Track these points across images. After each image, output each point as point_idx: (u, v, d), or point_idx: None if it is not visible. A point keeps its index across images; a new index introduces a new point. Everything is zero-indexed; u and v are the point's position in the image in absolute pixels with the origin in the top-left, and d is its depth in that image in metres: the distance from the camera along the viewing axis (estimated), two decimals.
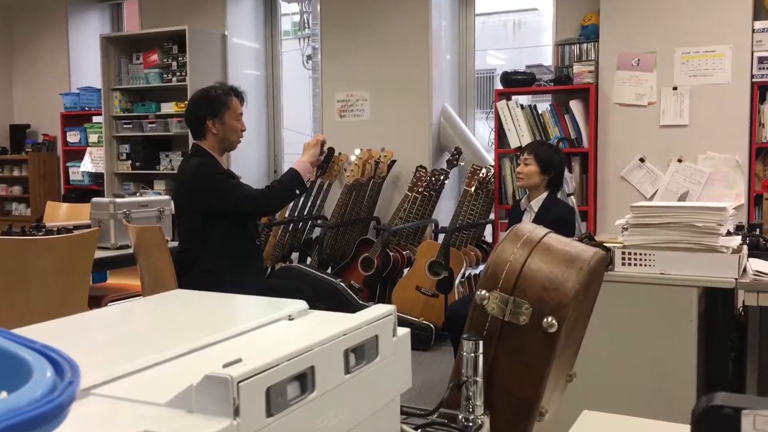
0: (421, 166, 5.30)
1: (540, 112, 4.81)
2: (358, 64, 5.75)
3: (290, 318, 0.92)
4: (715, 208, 2.41)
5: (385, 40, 5.63)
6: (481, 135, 5.93)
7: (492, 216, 5.12)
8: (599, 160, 4.69)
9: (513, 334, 0.93)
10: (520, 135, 4.78)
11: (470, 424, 0.92)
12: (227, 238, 3.19)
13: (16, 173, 7.11)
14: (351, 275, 5.28)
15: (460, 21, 5.90)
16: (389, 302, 4.98)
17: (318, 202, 5.67)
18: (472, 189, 4.94)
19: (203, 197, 3.15)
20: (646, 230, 2.47)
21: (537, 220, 3.54)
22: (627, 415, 1.14)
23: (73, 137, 6.84)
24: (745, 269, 2.43)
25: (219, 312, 1.04)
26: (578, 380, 1.11)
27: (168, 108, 6.15)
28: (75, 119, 6.83)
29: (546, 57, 5.46)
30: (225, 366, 0.61)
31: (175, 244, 3.44)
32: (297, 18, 7.93)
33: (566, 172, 4.00)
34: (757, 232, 2.91)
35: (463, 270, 4.83)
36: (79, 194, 6.51)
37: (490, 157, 5.31)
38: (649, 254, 2.46)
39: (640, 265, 2.47)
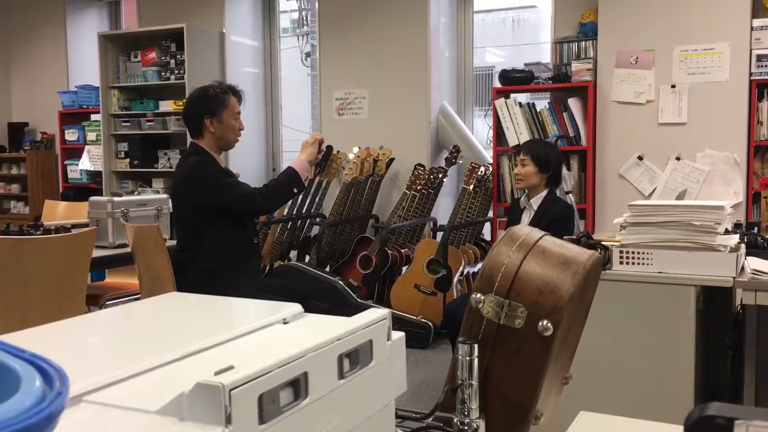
0: (419, 164, 5.29)
1: (538, 109, 4.80)
2: (357, 61, 5.74)
3: (285, 322, 0.92)
4: (713, 207, 2.40)
5: (384, 37, 5.62)
6: (479, 133, 5.92)
7: (490, 214, 5.11)
8: (597, 158, 4.69)
9: (508, 338, 0.93)
10: (518, 133, 4.78)
11: (465, 427, 0.92)
12: (225, 237, 3.20)
13: (14, 171, 7.11)
14: (349, 273, 5.28)
15: (458, 18, 5.89)
16: (388, 300, 4.99)
17: (316, 201, 5.67)
18: (471, 187, 4.93)
19: (201, 196, 3.15)
20: (644, 229, 2.47)
21: (536, 217, 3.54)
22: (624, 416, 1.14)
23: (71, 135, 6.84)
24: (743, 268, 2.42)
25: (213, 316, 1.03)
26: (575, 380, 1.11)
27: (166, 106, 6.15)
28: (73, 117, 6.83)
29: (544, 54, 5.45)
30: (217, 373, 0.61)
31: (173, 242, 3.43)
32: (295, 15, 7.93)
33: (564, 170, 3.99)
34: (755, 230, 2.91)
35: (461, 268, 4.83)
36: (77, 192, 6.50)
37: (488, 155, 5.31)
38: (647, 253, 2.46)
39: (638, 263, 2.47)
